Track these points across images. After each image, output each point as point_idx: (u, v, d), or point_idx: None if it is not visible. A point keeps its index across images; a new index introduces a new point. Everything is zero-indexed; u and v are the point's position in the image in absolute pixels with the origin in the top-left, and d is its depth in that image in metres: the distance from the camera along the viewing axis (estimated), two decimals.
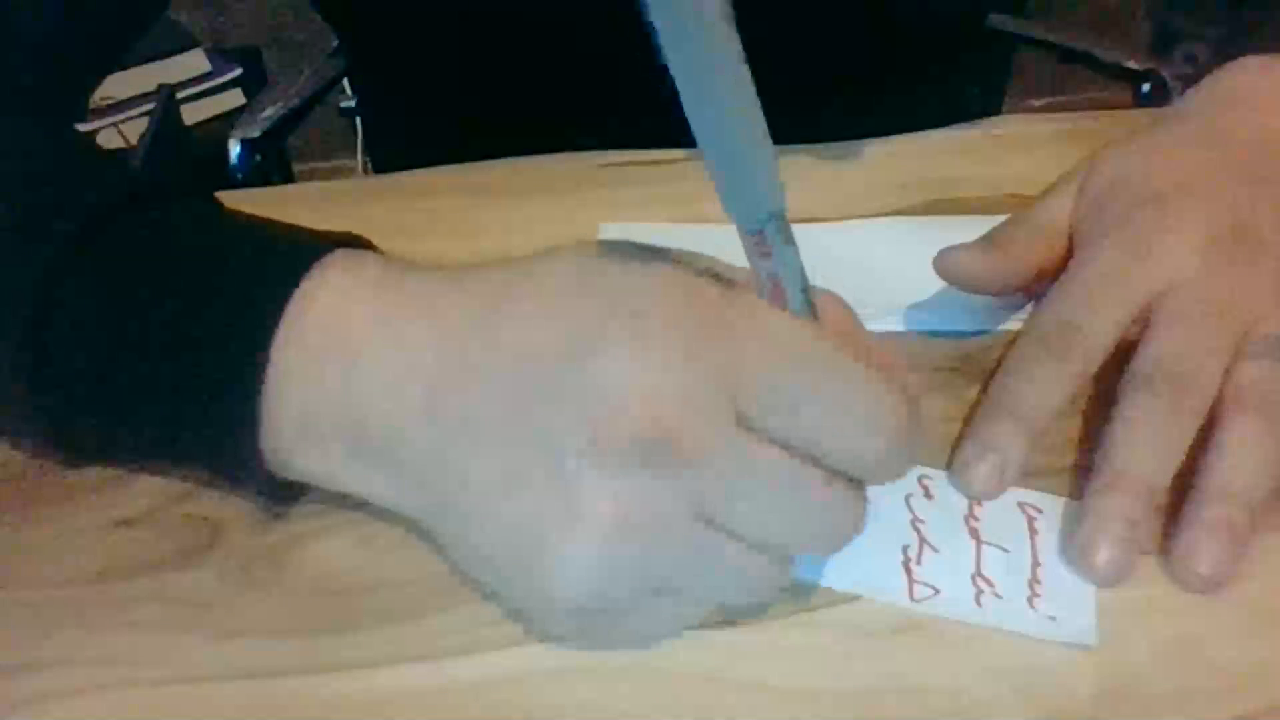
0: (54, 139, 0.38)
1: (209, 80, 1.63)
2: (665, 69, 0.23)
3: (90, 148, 0.40)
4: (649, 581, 0.28)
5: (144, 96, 1.51)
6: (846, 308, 0.31)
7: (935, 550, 0.33)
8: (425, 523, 0.31)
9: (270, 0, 1.81)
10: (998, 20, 0.70)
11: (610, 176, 0.52)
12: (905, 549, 0.33)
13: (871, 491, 0.29)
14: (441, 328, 0.30)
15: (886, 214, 0.48)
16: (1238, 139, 0.41)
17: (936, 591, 0.32)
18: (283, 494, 0.33)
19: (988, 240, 0.40)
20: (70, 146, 0.39)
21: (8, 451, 0.37)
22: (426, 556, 0.32)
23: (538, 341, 0.28)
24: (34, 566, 0.33)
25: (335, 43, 0.89)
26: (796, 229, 0.27)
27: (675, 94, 0.23)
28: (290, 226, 0.33)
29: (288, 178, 1.45)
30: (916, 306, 0.43)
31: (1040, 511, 0.34)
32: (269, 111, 0.86)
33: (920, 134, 0.54)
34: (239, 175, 0.83)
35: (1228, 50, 0.45)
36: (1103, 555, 0.32)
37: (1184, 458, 0.33)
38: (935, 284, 0.40)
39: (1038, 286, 0.40)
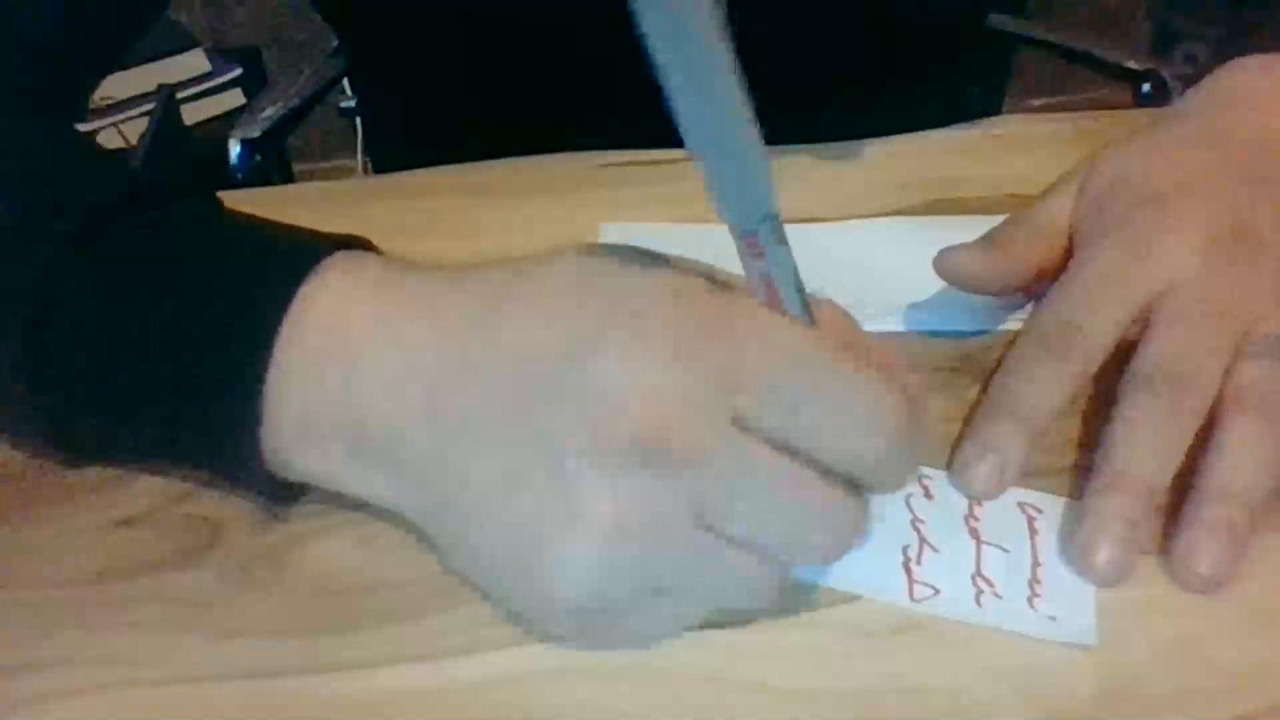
0: (54, 139, 0.38)
1: (209, 80, 1.63)
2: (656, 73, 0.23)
3: (90, 148, 0.40)
4: (648, 582, 0.28)
5: (144, 96, 1.51)
6: (842, 311, 0.31)
7: (935, 550, 0.33)
8: (424, 525, 0.31)
9: (270, 0, 1.81)
10: (998, 20, 0.70)
11: (610, 176, 0.52)
12: (905, 549, 0.33)
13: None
14: (441, 328, 0.30)
15: (886, 214, 0.48)
16: (1238, 139, 0.41)
17: (936, 591, 0.32)
18: (283, 494, 0.33)
19: (988, 240, 0.40)
20: (70, 146, 0.39)
21: (8, 451, 0.37)
22: (426, 556, 0.32)
23: (538, 342, 0.28)
24: (34, 566, 0.33)
25: (335, 43, 0.89)
26: (797, 229, 0.27)
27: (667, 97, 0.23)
28: (290, 227, 0.33)
29: (288, 178, 1.45)
30: (916, 306, 0.43)
31: (1040, 511, 0.34)
32: (269, 111, 0.86)
33: (920, 134, 0.54)
34: (239, 175, 0.83)
35: (1228, 50, 0.45)
36: (1103, 555, 0.32)
37: (1184, 458, 0.33)
38: (935, 284, 0.40)
39: (1038, 286, 0.40)
